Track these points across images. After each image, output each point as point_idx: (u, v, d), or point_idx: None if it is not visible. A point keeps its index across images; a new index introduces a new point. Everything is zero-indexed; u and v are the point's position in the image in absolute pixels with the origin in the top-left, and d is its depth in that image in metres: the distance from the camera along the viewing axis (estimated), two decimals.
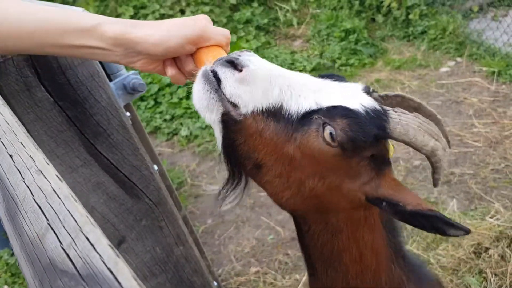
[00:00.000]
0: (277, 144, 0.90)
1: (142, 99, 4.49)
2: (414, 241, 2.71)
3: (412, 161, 3.35)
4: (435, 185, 1.06)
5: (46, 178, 0.59)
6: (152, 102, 4.43)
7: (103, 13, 5.29)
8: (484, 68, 4.21)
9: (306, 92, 0.89)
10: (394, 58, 4.70)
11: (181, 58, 1.02)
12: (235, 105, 0.90)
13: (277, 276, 2.74)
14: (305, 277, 2.69)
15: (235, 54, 0.90)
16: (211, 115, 0.91)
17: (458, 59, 4.49)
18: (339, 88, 0.93)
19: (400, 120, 0.89)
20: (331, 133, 0.86)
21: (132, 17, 5.06)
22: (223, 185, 1.03)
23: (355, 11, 5.17)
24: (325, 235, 1.01)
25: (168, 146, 4.11)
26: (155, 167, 1.39)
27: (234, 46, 4.63)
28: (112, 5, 5.27)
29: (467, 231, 0.85)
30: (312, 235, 1.03)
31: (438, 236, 2.71)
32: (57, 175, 0.59)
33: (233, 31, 5.06)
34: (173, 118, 4.32)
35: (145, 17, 5.04)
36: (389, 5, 5.01)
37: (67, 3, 4.82)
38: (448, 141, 1.00)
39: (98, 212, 1.27)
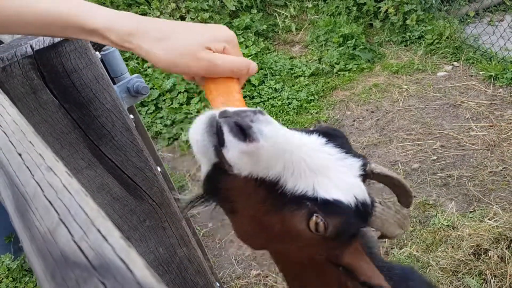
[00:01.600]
0: (260, 210, 0.89)
1: (142, 104, 4.51)
2: (413, 243, 2.73)
3: (410, 164, 3.37)
4: (379, 238, 1.09)
5: (56, 175, 0.60)
6: (153, 108, 4.45)
7: None
8: (481, 72, 4.25)
9: (307, 173, 0.86)
10: (391, 62, 4.73)
11: None
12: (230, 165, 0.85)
13: (277, 279, 2.75)
14: None
15: (247, 119, 0.80)
16: (203, 159, 0.87)
17: (455, 63, 4.52)
18: (338, 171, 0.90)
19: (382, 215, 0.94)
20: (317, 225, 0.86)
21: None
22: (192, 200, 1.02)
23: (353, 17, 5.21)
24: (285, 264, 1.07)
25: (169, 151, 4.13)
26: (159, 168, 1.41)
27: None
28: None
29: None
30: (274, 260, 1.11)
31: (437, 238, 2.73)
32: (66, 172, 0.60)
33: None
34: (173, 123, 4.34)
35: None
36: (386, 10, 5.05)
37: None
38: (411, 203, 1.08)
39: None
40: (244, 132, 0.79)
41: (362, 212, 0.91)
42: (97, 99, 1.19)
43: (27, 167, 0.66)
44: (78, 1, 0.88)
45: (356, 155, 0.96)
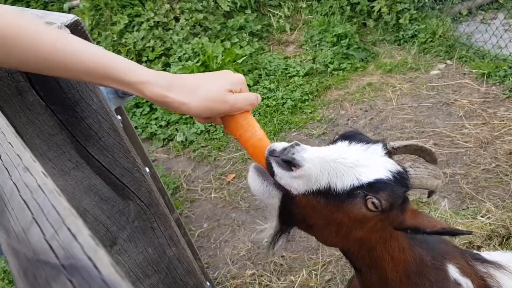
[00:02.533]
0: (327, 213, 1.10)
1: (137, 105, 4.51)
2: None
3: (403, 162, 3.38)
4: (428, 197, 1.37)
5: (32, 175, 0.61)
6: (147, 109, 4.46)
7: (97, 22, 5.34)
8: (474, 70, 4.27)
9: (347, 171, 1.06)
10: (385, 61, 4.75)
11: None
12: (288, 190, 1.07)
13: (272, 278, 2.76)
14: (300, 279, 2.71)
15: (290, 154, 1.04)
16: (271, 200, 1.09)
17: (448, 61, 4.54)
18: (368, 158, 1.11)
19: (416, 175, 1.14)
20: (374, 203, 1.06)
21: (126, 25, 5.10)
22: (272, 237, 1.24)
23: (346, 16, 5.22)
24: (361, 252, 1.25)
25: (163, 152, 4.13)
26: (147, 169, 1.41)
27: (228, 52, 4.67)
28: (107, 13, 5.30)
29: (470, 233, 1.23)
30: (352, 254, 1.28)
31: None
32: (42, 172, 0.61)
33: (227, 37, 5.10)
34: (168, 124, 4.35)
35: (139, 25, 5.07)
36: (379, 10, 5.07)
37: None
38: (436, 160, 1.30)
39: (90, 214, 1.29)
40: (290, 164, 1.03)
41: (401, 179, 1.11)
42: (84, 100, 1.20)
43: (6, 168, 0.67)
44: (114, 57, 0.98)
45: (375, 141, 1.16)
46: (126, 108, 4.48)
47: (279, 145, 1.08)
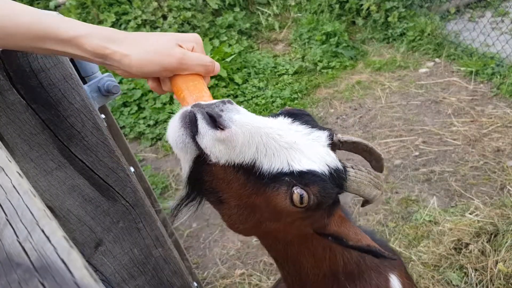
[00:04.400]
0: (244, 194, 0.94)
1: (125, 104, 4.47)
2: (396, 239, 2.74)
3: (393, 161, 3.40)
4: (362, 206, 1.18)
5: (7, 175, 0.59)
6: (135, 108, 4.42)
7: (85, 20, 5.27)
8: (462, 68, 4.29)
9: (279, 151, 0.91)
10: (374, 60, 4.76)
11: (160, 77, 1.02)
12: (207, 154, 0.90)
13: (262, 277, 2.75)
14: None
15: (217, 109, 0.87)
16: (184, 155, 0.92)
17: (437, 59, 4.57)
18: (307, 144, 0.96)
19: (356, 178, 1.00)
20: (301, 196, 0.91)
21: (114, 24, 5.05)
22: (178, 203, 1.06)
23: (335, 14, 5.23)
24: (277, 246, 1.11)
25: (152, 151, 4.10)
26: (132, 169, 1.39)
27: (217, 50, 4.65)
28: (94, 11, 5.25)
29: (392, 259, 1.04)
30: (267, 245, 1.15)
31: (420, 233, 2.75)
32: (18, 172, 0.59)
33: (216, 36, 5.08)
34: (156, 123, 4.31)
35: (127, 23, 5.03)
36: (368, 8, 5.08)
37: (49, 10, 4.76)
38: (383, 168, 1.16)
39: (74, 215, 1.27)
40: (215, 121, 0.85)
41: (337, 178, 0.97)
42: (66, 99, 1.17)
43: None
44: (60, 16, 0.94)
45: (322, 128, 1.01)
46: (113, 107, 4.43)
47: (209, 100, 0.93)
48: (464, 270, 2.46)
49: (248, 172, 0.91)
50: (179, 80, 0.98)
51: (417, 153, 3.42)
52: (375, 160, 1.12)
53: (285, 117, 0.99)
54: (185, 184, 1.00)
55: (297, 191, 0.91)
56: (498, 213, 2.72)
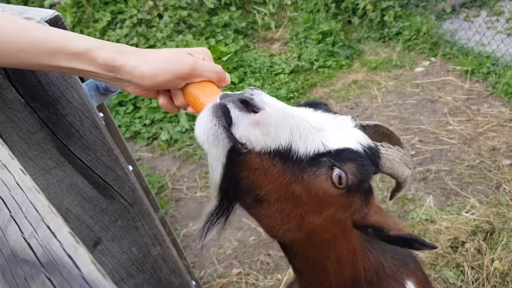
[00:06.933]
0: (283, 183, 0.91)
1: (121, 104, 4.46)
2: None
3: None
4: (391, 199, 1.19)
5: (10, 172, 0.59)
6: (131, 107, 4.41)
7: (79, 19, 5.25)
8: (458, 67, 4.31)
9: (312, 132, 0.90)
10: (370, 59, 4.77)
11: (171, 90, 1.01)
12: (242, 143, 0.87)
13: (259, 276, 2.75)
14: (286, 277, 2.70)
15: (247, 93, 0.87)
16: (216, 149, 0.87)
17: (433, 59, 4.58)
18: (337, 125, 0.95)
19: (388, 155, 0.99)
20: (340, 176, 0.89)
21: (109, 22, 5.03)
22: (207, 219, 1.04)
23: (331, 13, 5.24)
24: (309, 250, 1.07)
25: (148, 150, 4.09)
26: (130, 167, 1.39)
27: (213, 50, 4.64)
28: (89, 10, 5.22)
29: (434, 247, 0.98)
30: (297, 251, 1.09)
31: (416, 232, 2.76)
32: (21, 169, 0.59)
33: (212, 35, 5.07)
34: (152, 122, 4.30)
35: (122, 22, 5.01)
36: (364, 7, 5.09)
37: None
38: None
39: (72, 214, 1.26)
40: (247, 106, 0.85)
41: (372, 156, 0.95)
42: (64, 97, 1.17)
43: None
44: (67, 32, 0.93)
45: (342, 115, 1.01)
46: (109, 106, 4.42)
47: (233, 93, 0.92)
48: (461, 269, 2.47)
49: (285, 158, 0.88)
50: (193, 89, 0.97)
51: (413, 152, 3.44)
52: (394, 141, 1.11)
53: (306, 107, 0.98)
54: (217, 192, 0.97)
55: (335, 172, 0.89)
56: (494, 212, 2.73)
